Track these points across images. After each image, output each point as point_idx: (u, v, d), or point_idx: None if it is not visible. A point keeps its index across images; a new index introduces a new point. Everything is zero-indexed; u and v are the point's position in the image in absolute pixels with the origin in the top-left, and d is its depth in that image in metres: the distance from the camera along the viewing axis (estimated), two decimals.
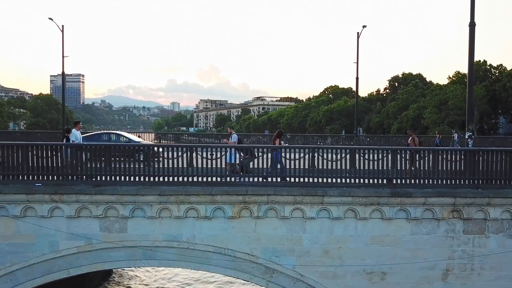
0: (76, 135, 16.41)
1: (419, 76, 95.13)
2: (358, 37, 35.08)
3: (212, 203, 13.41)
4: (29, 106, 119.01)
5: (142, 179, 13.81)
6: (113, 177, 13.64)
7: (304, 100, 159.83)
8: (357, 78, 39.40)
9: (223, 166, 14.05)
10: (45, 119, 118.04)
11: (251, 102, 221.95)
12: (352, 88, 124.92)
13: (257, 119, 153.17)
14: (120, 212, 13.42)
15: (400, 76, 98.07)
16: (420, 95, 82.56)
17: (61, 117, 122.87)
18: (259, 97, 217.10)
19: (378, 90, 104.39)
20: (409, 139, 21.22)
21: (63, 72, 34.64)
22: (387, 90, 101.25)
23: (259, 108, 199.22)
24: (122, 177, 13.68)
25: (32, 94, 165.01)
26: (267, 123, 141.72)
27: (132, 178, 13.73)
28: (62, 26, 34.21)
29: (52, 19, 33.38)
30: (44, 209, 13.37)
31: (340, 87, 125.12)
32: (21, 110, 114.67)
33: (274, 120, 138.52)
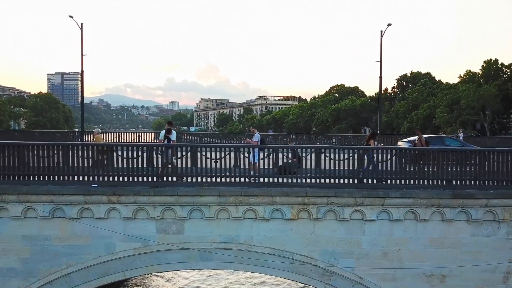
0: (175, 135, 16.61)
1: (428, 75, 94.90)
2: (381, 35, 35.12)
3: (270, 204, 13.44)
4: (28, 105, 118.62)
5: (200, 179, 13.80)
6: (170, 178, 13.63)
7: (309, 100, 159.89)
8: (380, 77, 39.45)
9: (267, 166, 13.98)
10: (45, 118, 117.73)
11: (253, 101, 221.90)
12: (358, 87, 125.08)
13: (261, 118, 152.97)
14: (178, 214, 13.44)
15: (409, 75, 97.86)
16: (430, 94, 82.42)
17: (61, 116, 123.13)
18: (262, 96, 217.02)
19: (386, 89, 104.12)
20: (416, 139, 21.09)
21: (82, 71, 34.58)
22: (395, 89, 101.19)
23: (261, 107, 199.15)
24: (180, 178, 13.67)
25: (30, 92, 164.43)
26: (271, 123, 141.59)
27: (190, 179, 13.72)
28: (81, 24, 34.12)
29: (72, 17, 33.38)
30: (101, 210, 13.38)
31: (346, 86, 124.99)
32: (21, 109, 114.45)
33: (279, 119, 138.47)
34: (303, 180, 13.83)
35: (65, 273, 13.48)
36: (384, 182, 13.88)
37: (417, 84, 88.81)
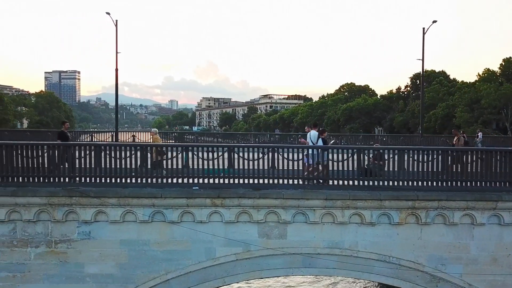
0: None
1: (443, 73, 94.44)
2: (424, 33, 34.86)
3: (378, 208, 13.17)
4: (29, 104, 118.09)
5: (305, 182, 13.52)
6: (275, 180, 13.36)
7: (314, 99, 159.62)
8: (422, 76, 39.39)
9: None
10: (48, 118, 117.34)
11: (257, 100, 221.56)
12: (369, 86, 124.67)
13: (268, 118, 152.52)
14: (281, 217, 13.16)
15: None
16: (447, 93, 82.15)
17: (62, 115, 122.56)
18: (266, 95, 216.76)
19: (399, 88, 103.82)
20: (455, 139, 20.72)
21: (116, 69, 34.19)
22: (408, 88, 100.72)
23: (266, 106, 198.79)
24: (285, 180, 13.40)
25: (28, 91, 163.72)
26: (279, 122, 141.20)
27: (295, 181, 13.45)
28: (116, 21, 33.81)
29: (109, 14, 33.05)
30: (203, 214, 13.09)
31: (356, 84, 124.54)
32: (23, 108, 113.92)
33: (287, 119, 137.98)
34: (411, 183, 13.53)
35: (164, 279, 13.18)
36: (495, 185, 13.59)
37: (432, 83, 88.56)
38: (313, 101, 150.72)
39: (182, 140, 41.57)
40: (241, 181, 13.45)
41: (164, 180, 13.44)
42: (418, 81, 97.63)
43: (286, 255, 13.33)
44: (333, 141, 19.05)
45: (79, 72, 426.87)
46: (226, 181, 13.46)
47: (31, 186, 13.11)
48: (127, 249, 13.15)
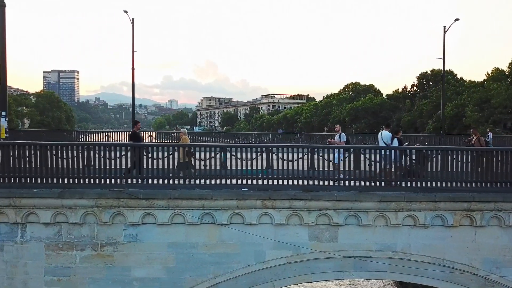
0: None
1: (450, 73, 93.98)
2: (445, 31, 34.70)
3: (433, 210, 12.94)
4: (30, 104, 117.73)
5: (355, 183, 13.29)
6: (326, 182, 13.15)
7: (317, 98, 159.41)
8: (443, 75, 39.19)
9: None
10: (49, 118, 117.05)
11: (259, 99, 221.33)
12: (374, 85, 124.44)
13: (271, 118, 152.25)
14: (333, 220, 12.93)
15: (429, 72, 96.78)
16: (454, 93, 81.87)
17: (63, 115, 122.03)
18: (269, 95, 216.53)
19: (405, 87, 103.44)
20: (474, 139, 20.34)
21: (132, 68, 34.04)
22: (415, 87, 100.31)
23: (268, 106, 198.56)
24: (331, 182, 13.20)
25: (27, 91, 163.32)
26: (283, 122, 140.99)
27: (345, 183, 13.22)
28: (133, 19, 33.59)
29: (126, 12, 32.79)
30: (253, 216, 12.85)
31: (361, 84, 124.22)
32: (24, 108, 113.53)
33: (291, 118, 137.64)
34: (465, 185, 13.32)
35: (213, 283, 12.95)
36: None
37: (439, 82, 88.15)
38: (317, 101, 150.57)
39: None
40: (290, 182, 13.22)
41: (213, 181, 13.18)
42: (425, 80, 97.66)
43: (337, 259, 13.11)
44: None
45: (78, 72, 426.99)
46: (275, 182, 13.21)
47: (76, 188, 12.86)
48: (174, 252, 12.91)
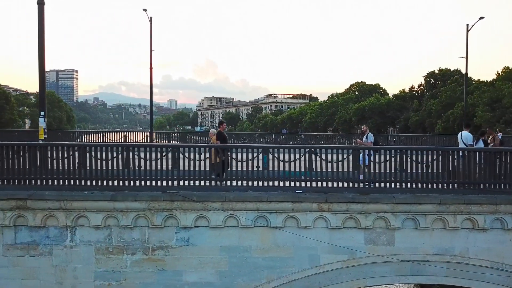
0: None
1: (459, 72, 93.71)
2: (468, 30, 34.52)
3: (493, 213, 12.73)
4: (30, 104, 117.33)
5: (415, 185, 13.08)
6: (386, 184, 12.94)
7: (320, 98, 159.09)
8: (466, 74, 38.88)
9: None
10: (50, 118, 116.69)
11: (262, 99, 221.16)
12: (380, 85, 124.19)
13: (275, 118, 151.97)
14: (390, 223, 12.71)
15: (437, 72, 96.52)
16: (464, 92, 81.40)
17: (63, 115, 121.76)
18: (271, 94, 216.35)
19: (412, 87, 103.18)
20: (489, 139, 19.49)
21: (151, 68, 33.66)
22: (422, 87, 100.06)
23: (271, 106, 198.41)
24: (392, 184, 12.97)
25: (26, 91, 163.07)
26: (287, 122, 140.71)
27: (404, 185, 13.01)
28: (151, 18, 33.35)
29: (146, 10, 32.54)
30: (308, 219, 12.63)
31: (367, 83, 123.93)
32: (25, 108, 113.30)
33: (295, 118, 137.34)
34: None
35: None
36: None
37: (447, 82, 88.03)
38: (321, 100, 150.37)
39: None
40: (345, 184, 13.01)
41: (266, 183, 12.96)
42: (432, 79, 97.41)
43: (393, 263, 12.89)
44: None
45: (77, 71, 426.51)
46: (330, 184, 13.01)
47: (127, 190, 12.64)
48: (227, 256, 12.69)
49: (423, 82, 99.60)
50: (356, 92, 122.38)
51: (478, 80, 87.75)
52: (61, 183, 12.68)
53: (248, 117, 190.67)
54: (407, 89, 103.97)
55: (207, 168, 13.17)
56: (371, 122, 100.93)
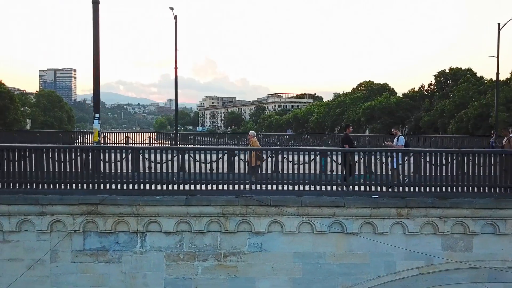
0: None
1: (470, 71, 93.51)
2: (499, 29, 34.31)
3: None
4: (31, 103, 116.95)
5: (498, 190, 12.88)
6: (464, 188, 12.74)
7: (329, 97, 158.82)
8: (497, 74, 38.68)
9: None
10: (52, 118, 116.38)
11: (265, 99, 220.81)
12: (388, 84, 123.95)
13: (280, 117, 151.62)
14: (470, 228, 12.51)
15: (448, 71, 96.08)
16: (476, 92, 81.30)
17: (64, 115, 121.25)
18: (275, 94, 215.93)
19: (422, 86, 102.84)
20: (504, 140, 19.27)
21: (175, 67, 33.38)
22: (432, 86, 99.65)
23: (274, 105, 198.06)
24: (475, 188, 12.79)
25: (25, 90, 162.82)
26: (293, 122, 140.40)
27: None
28: (175, 16, 33.11)
29: (172, 9, 32.27)
30: (385, 225, 12.44)
31: (375, 82, 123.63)
32: (26, 108, 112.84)
33: (301, 118, 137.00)
34: None
35: None
36: None
37: (458, 81, 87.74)
38: (325, 100, 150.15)
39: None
40: (422, 189, 12.82)
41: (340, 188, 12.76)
42: (443, 78, 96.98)
43: (470, 269, 12.68)
44: None
45: (75, 70, 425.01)
46: (406, 189, 12.82)
47: (199, 195, 12.42)
48: (301, 262, 12.48)
49: (433, 81, 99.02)
50: (364, 92, 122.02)
51: (491, 79, 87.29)
52: (130, 187, 12.44)
53: (251, 117, 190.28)
54: (416, 88, 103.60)
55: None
56: (380, 122, 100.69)
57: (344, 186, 12.80)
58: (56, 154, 12.58)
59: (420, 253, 12.56)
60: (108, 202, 11.88)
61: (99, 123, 15.41)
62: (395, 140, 17.21)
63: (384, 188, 12.81)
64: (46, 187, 12.28)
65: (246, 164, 12.94)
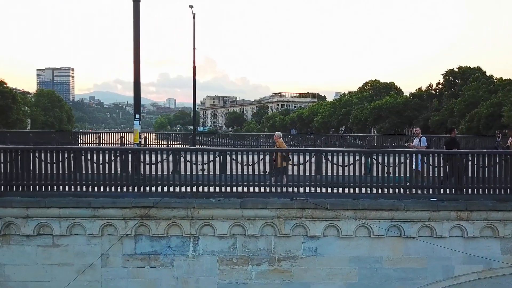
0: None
1: (479, 70, 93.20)
2: None
3: None
4: (30, 103, 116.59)
5: None
6: None
7: (332, 96, 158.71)
8: None
9: None
10: (51, 117, 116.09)
11: (268, 98, 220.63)
12: (394, 83, 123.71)
13: (284, 117, 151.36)
14: None
15: (456, 69, 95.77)
16: (487, 91, 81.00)
17: (64, 115, 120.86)
18: (278, 93, 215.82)
19: (430, 85, 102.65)
20: (509, 141, 18.90)
21: (194, 67, 33.13)
22: (440, 85, 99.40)
23: (277, 105, 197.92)
24: None
25: (23, 90, 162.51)
26: (297, 122, 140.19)
27: None
28: (194, 14, 32.91)
29: (192, 7, 32.05)
30: (444, 228, 12.27)
31: (382, 81, 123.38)
32: (26, 107, 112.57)
33: (306, 118, 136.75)
34: None
35: None
36: None
37: (467, 80, 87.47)
38: (333, 99, 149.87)
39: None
40: (481, 191, 12.67)
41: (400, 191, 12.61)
42: (451, 77, 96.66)
43: None
44: None
45: (73, 69, 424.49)
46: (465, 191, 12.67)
47: (253, 197, 12.26)
48: (357, 267, 12.32)
49: (441, 80, 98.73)
50: (370, 91, 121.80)
51: (501, 78, 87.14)
52: (183, 189, 12.27)
53: (254, 117, 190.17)
54: (424, 87, 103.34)
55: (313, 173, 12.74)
56: (388, 122, 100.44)
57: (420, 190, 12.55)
58: (101, 155, 12.42)
59: (479, 257, 12.40)
60: (162, 205, 11.72)
61: (139, 124, 15.24)
62: (417, 140, 16.89)
63: (442, 191, 12.62)
64: (96, 189, 12.10)
65: (273, 164, 12.92)
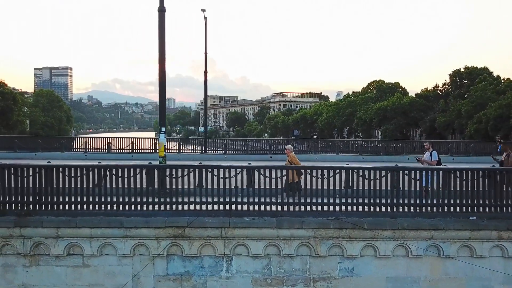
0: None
1: (486, 70, 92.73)
2: None
3: None
4: (29, 103, 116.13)
5: None
6: None
7: (334, 96, 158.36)
8: None
9: None
10: (50, 118, 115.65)
11: (269, 98, 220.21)
12: (399, 83, 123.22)
13: (287, 118, 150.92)
14: None
15: (463, 70, 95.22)
16: (495, 92, 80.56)
17: (63, 116, 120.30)
18: (279, 93, 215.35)
19: (436, 86, 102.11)
20: (504, 155, 17.40)
21: (205, 72, 33.05)
22: (447, 86, 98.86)
23: (279, 105, 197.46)
24: None
25: (20, 89, 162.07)
26: (300, 122, 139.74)
27: None
28: (205, 18, 32.73)
29: (204, 10, 31.90)
30: (484, 248, 12.11)
31: (386, 81, 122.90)
32: (25, 108, 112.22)
33: (309, 119, 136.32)
34: None
35: None
36: None
37: (474, 80, 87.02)
38: (336, 99, 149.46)
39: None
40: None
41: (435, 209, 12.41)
42: (458, 78, 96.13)
43: None
44: None
45: (71, 69, 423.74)
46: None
47: (287, 216, 12.08)
48: (393, 287, 12.15)
49: (448, 80, 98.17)
50: (375, 91, 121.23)
51: (508, 78, 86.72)
52: (216, 208, 12.07)
53: (255, 117, 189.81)
54: (430, 88, 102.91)
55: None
56: (393, 123, 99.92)
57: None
58: (132, 172, 12.20)
59: None
60: (196, 224, 11.53)
61: (165, 137, 15.03)
62: (427, 154, 16.49)
63: (481, 209, 12.44)
64: (127, 208, 11.91)
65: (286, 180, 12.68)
